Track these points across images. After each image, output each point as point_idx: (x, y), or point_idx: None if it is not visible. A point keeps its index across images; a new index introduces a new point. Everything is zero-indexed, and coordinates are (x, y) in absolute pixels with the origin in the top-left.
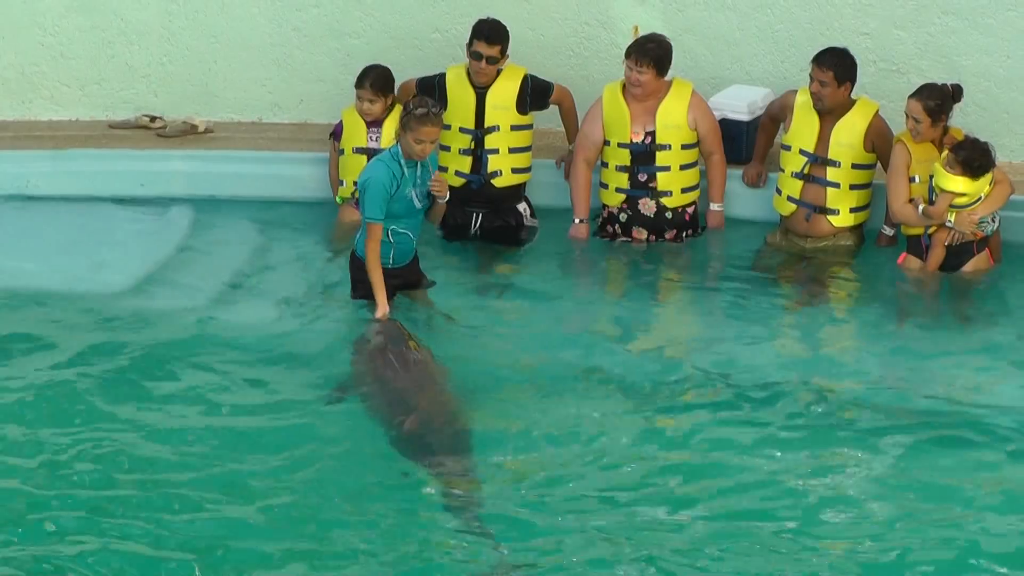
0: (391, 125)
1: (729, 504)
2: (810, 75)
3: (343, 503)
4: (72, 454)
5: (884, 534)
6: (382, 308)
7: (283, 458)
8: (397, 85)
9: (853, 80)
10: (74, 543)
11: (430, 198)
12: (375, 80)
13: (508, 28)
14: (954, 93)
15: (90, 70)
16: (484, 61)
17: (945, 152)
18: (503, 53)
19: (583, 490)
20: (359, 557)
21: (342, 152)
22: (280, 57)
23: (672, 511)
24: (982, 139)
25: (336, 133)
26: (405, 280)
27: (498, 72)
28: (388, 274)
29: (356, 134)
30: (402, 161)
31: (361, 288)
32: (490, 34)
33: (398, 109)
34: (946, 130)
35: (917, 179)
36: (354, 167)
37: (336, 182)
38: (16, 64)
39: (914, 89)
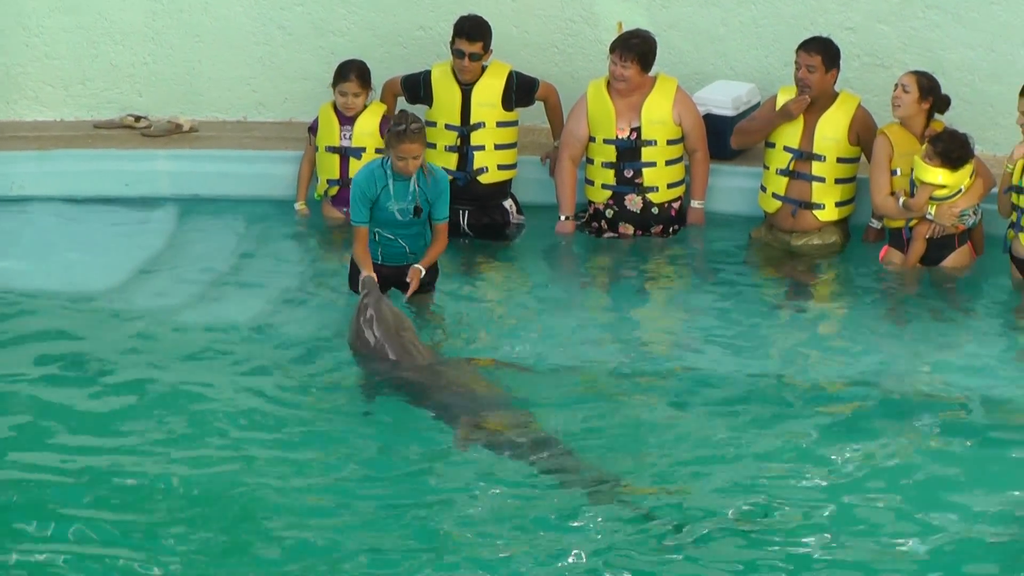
0: (364, 122)
1: (701, 495)
2: (796, 63)
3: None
4: (53, 458)
5: (877, 530)
6: (367, 271)
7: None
8: (381, 83)
9: (838, 68)
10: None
11: (429, 224)
12: (360, 72)
13: (492, 25)
14: (944, 100)
15: (74, 70)
16: (467, 58)
17: (925, 144)
18: (486, 49)
19: None
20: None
21: (317, 149)
22: (264, 56)
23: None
24: (961, 131)
25: (313, 128)
26: (397, 279)
27: (483, 69)
28: (377, 268)
29: (330, 132)
30: (389, 172)
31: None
32: (471, 31)
33: (374, 106)
34: (928, 123)
35: (899, 172)
36: (327, 166)
37: (306, 178)
38: (0, 64)
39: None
